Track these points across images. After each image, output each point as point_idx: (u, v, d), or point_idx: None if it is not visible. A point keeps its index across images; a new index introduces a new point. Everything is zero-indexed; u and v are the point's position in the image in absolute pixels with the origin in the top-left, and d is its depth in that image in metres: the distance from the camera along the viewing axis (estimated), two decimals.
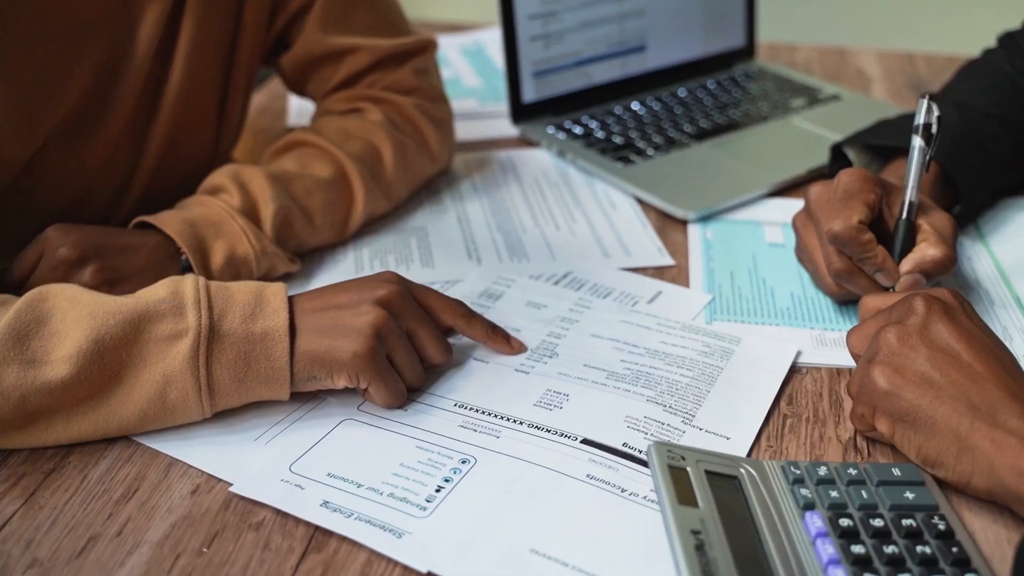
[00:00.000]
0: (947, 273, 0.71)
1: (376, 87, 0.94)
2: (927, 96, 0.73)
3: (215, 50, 0.87)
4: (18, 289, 0.71)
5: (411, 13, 1.01)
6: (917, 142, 0.73)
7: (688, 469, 0.56)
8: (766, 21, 1.35)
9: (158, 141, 0.85)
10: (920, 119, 0.73)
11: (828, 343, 0.73)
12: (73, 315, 0.61)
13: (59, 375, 0.59)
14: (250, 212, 0.79)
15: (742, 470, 0.57)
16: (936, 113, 0.73)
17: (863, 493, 0.56)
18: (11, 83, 0.72)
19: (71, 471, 0.61)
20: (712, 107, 1.12)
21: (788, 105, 1.12)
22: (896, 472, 0.58)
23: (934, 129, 0.72)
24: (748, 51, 1.25)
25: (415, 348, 0.67)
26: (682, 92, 1.16)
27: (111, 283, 0.72)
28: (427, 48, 0.96)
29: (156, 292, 0.63)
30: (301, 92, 0.98)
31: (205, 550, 0.55)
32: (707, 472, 0.56)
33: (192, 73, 0.84)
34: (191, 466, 0.61)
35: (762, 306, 0.78)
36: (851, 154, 0.91)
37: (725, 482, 0.56)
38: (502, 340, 0.71)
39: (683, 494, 0.54)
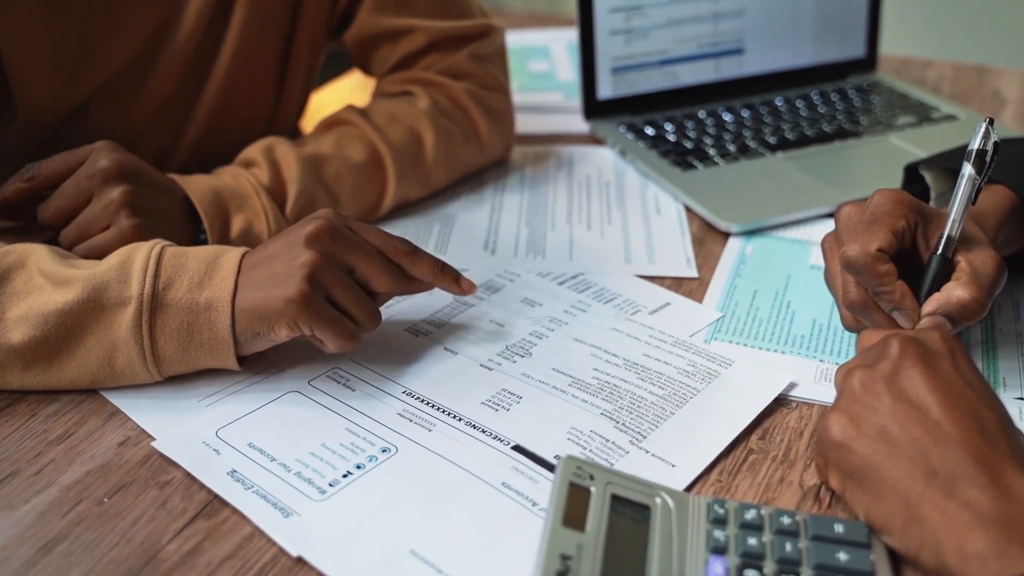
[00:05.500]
0: (976, 319, 0.62)
1: (432, 70, 0.92)
2: (988, 120, 0.64)
3: (273, 25, 0.88)
4: (43, 189, 0.73)
5: (534, 6, 1.00)
6: (967, 170, 0.64)
7: (592, 490, 0.51)
8: (906, 34, 1.24)
9: (207, 108, 0.87)
10: (974, 145, 0.64)
11: (832, 378, 0.65)
12: (35, 281, 0.62)
13: (10, 340, 0.61)
14: (276, 191, 0.80)
15: (658, 500, 0.52)
16: (993, 139, 0.64)
17: (787, 546, 0.49)
18: (63, 38, 0.75)
19: (23, 409, 0.63)
20: (805, 118, 1.04)
21: (892, 122, 1.02)
22: (838, 528, 0.50)
23: (989, 157, 0.63)
24: (868, 62, 1.15)
25: (360, 283, 0.64)
26: (779, 101, 1.08)
27: (135, 209, 0.71)
28: (488, 33, 0.94)
29: (110, 260, 0.63)
30: (366, 71, 0.99)
31: (106, 500, 0.56)
32: (614, 496, 0.51)
33: (246, 45, 0.86)
34: (131, 418, 0.62)
35: (774, 331, 0.71)
36: (928, 177, 0.81)
37: (632, 511, 0.51)
38: (450, 279, 0.67)
39: (572, 515, 0.49)
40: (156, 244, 0.64)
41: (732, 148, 0.97)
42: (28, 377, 0.62)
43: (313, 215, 0.65)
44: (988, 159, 0.64)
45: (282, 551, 0.52)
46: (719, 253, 0.81)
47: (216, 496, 0.56)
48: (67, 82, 0.78)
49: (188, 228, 0.76)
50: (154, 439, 0.60)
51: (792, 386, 0.64)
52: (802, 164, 0.94)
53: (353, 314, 0.63)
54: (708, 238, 0.84)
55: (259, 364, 0.66)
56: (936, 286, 0.63)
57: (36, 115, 0.77)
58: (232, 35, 0.85)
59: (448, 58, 0.92)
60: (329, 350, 0.63)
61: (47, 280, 0.62)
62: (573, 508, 0.49)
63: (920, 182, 0.82)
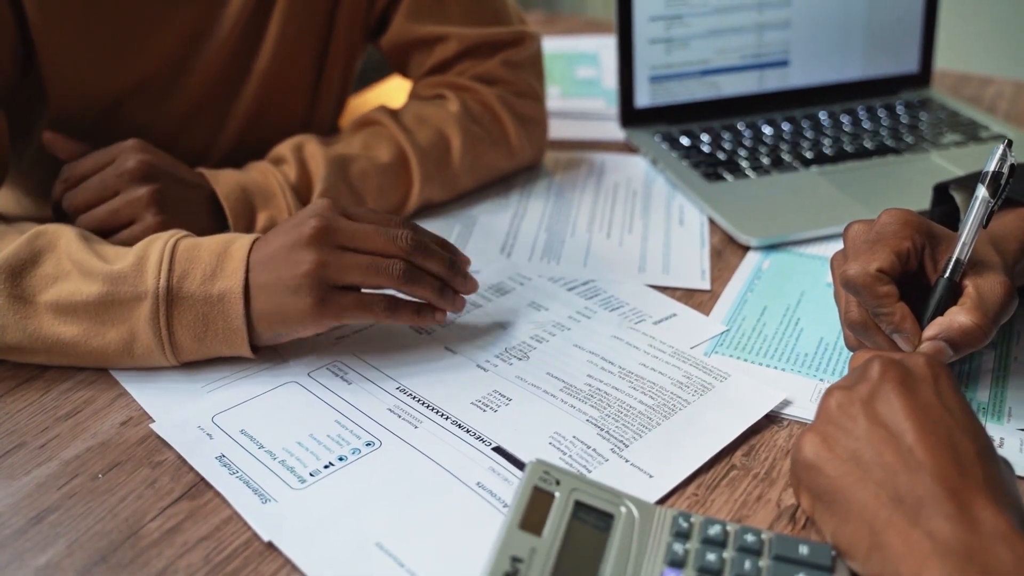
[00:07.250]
0: (978, 346, 0.60)
1: (465, 75, 0.93)
2: (1006, 142, 0.63)
3: (311, 29, 0.90)
4: (72, 187, 0.76)
5: (595, 12, 1.00)
6: (981, 192, 0.62)
7: (556, 495, 0.51)
8: (968, 51, 1.21)
9: (243, 109, 0.89)
10: (990, 167, 0.62)
11: None
12: (64, 266, 0.65)
13: (39, 325, 0.64)
14: (302, 188, 0.82)
15: (623, 509, 0.52)
16: (1011, 161, 0.62)
17: (747, 564, 0.49)
18: (99, 32, 0.79)
19: (40, 384, 0.66)
20: (847, 133, 1.02)
21: (937, 140, 1.00)
22: (803, 550, 0.50)
23: (1004, 180, 0.62)
24: (922, 78, 1.13)
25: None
26: (822, 115, 1.06)
27: (160, 207, 0.73)
28: (522, 40, 0.95)
29: (128, 256, 0.65)
30: (404, 75, 1.00)
31: (100, 476, 0.58)
32: (577, 503, 0.51)
33: (283, 49, 0.88)
34: (136, 400, 0.65)
35: (778, 347, 0.70)
36: (958, 198, 0.79)
37: (596, 518, 0.51)
38: (459, 277, 0.69)
39: (531, 518, 0.49)
40: (172, 237, 0.66)
41: (766, 161, 0.96)
42: (54, 357, 0.66)
43: (309, 209, 0.66)
44: (1003, 182, 0.62)
45: (256, 535, 0.54)
46: (736, 266, 0.81)
47: (203, 478, 0.58)
48: (100, 77, 0.81)
49: (215, 222, 0.78)
50: (154, 421, 0.63)
51: (786, 404, 0.64)
52: (835, 180, 0.92)
53: (378, 284, 0.64)
54: (727, 251, 0.83)
55: (265, 355, 0.68)
56: (941, 310, 0.62)
57: (67, 107, 0.81)
58: (270, 38, 0.87)
59: (481, 64, 0.93)
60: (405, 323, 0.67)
61: (74, 266, 0.65)
62: (533, 511, 0.50)
63: (951, 202, 0.80)
